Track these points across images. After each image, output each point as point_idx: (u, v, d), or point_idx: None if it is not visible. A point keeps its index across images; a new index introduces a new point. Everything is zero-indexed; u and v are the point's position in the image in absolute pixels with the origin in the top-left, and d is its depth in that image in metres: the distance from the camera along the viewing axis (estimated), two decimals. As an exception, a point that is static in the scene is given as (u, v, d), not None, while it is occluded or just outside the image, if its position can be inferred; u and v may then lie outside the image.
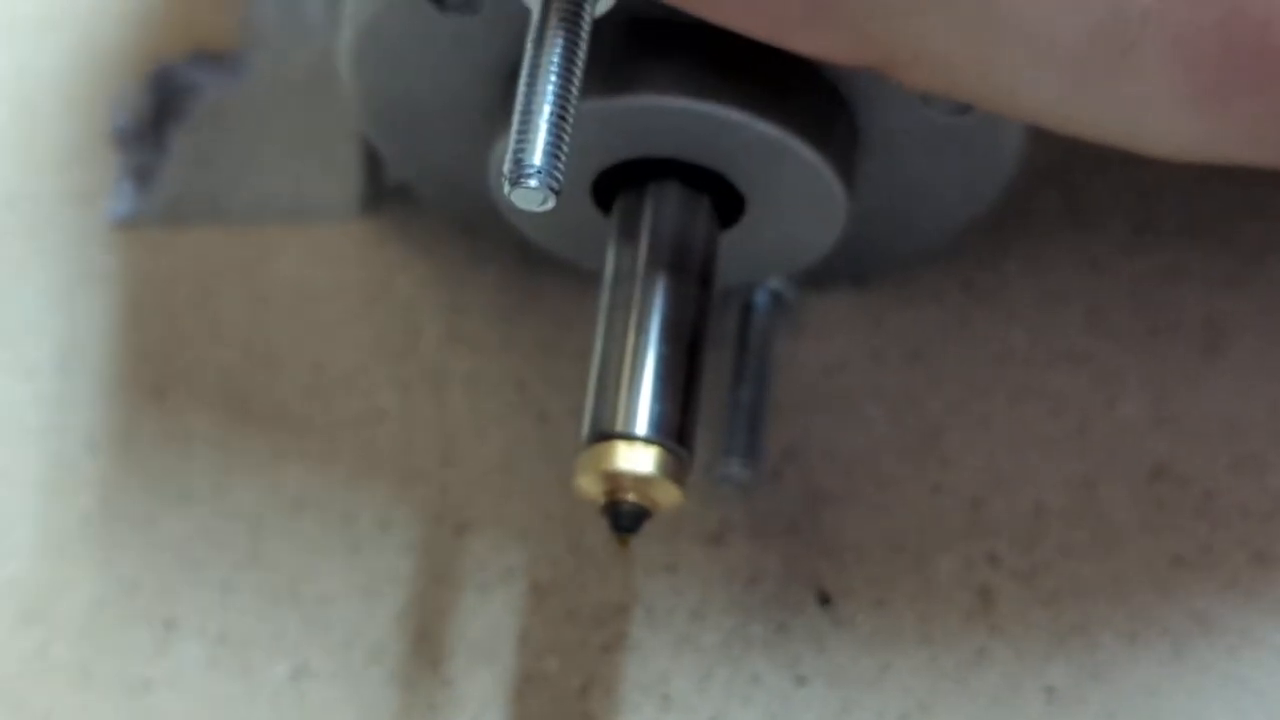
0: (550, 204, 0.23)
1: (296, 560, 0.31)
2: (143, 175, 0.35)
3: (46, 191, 0.36)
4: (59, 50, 0.37)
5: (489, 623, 0.30)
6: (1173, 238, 0.33)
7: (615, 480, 0.25)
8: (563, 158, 0.23)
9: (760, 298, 0.31)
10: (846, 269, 0.32)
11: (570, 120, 0.23)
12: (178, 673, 0.30)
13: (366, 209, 0.34)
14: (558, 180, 0.23)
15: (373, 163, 0.34)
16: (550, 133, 0.23)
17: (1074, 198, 0.33)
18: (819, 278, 0.32)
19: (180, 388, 0.33)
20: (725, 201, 0.28)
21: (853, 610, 0.30)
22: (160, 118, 0.35)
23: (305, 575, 0.31)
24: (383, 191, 0.35)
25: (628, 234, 0.27)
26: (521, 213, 0.27)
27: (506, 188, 0.23)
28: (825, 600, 0.30)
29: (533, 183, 0.23)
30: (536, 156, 0.23)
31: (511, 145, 0.23)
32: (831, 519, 0.31)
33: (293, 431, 0.32)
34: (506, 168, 0.23)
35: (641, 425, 0.25)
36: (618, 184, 0.28)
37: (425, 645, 0.30)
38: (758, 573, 0.30)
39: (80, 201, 0.35)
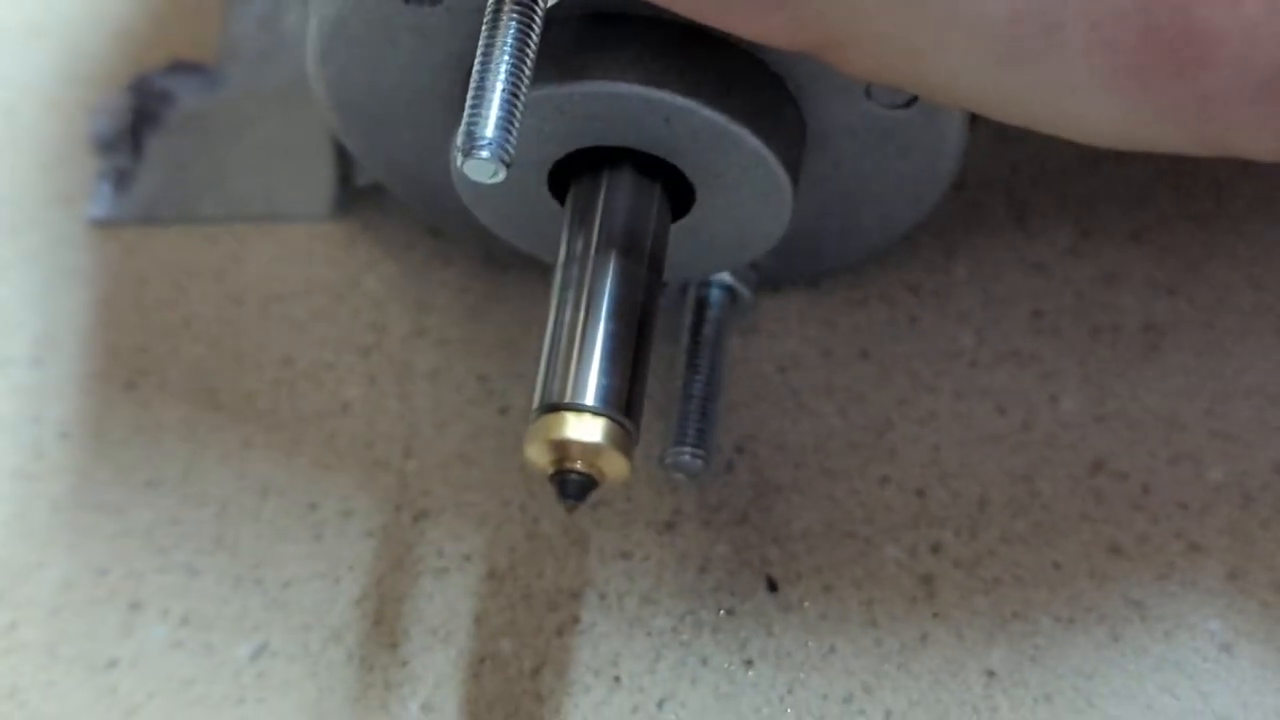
0: (501, 175, 0.24)
1: (260, 546, 0.32)
2: (120, 178, 0.36)
3: (27, 193, 0.37)
4: (41, 59, 0.39)
5: (446, 606, 0.31)
6: (1115, 245, 0.34)
7: (563, 449, 0.26)
8: (514, 132, 0.24)
9: (714, 294, 0.32)
10: (799, 271, 0.33)
11: (522, 97, 0.24)
12: (142, 652, 0.31)
13: (336, 212, 0.36)
14: (508, 153, 0.24)
15: (343, 168, 0.35)
16: (503, 107, 0.24)
17: (1020, 207, 0.34)
18: (773, 279, 0.33)
19: (151, 380, 0.34)
20: (677, 192, 0.29)
21: (800, 596, 0.31)
22: (138, 124, 0.36)
23: (268, 560, 0.32)
24: (353, 195, 0.36)
25: (581, 218, 0.28)
26: (479, 199, 0.28)
27: (459, 159, 0.24)
28: (773, 586, 0.31)
29: (484, 154, 0.24)
30: (489, 129, 0.24)
31: (465, 119, 0.24)
32: (781, 508, 0.31)
33: (260, 422, 0.33)
34: (459, 140, 0.24)
35: (589, 396, 0.26)
36: (572, 173, 0.29)
37: (383, 627, 0.31)
38: (708, 560, 0.31)
39: (59, 203, 0.37)
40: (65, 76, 0.38)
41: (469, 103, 0.24)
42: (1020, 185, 0.34)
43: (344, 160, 0.35)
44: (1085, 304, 0.33)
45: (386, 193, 0.34)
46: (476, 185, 0.28)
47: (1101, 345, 0.32)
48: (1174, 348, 0.32)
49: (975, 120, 0.29)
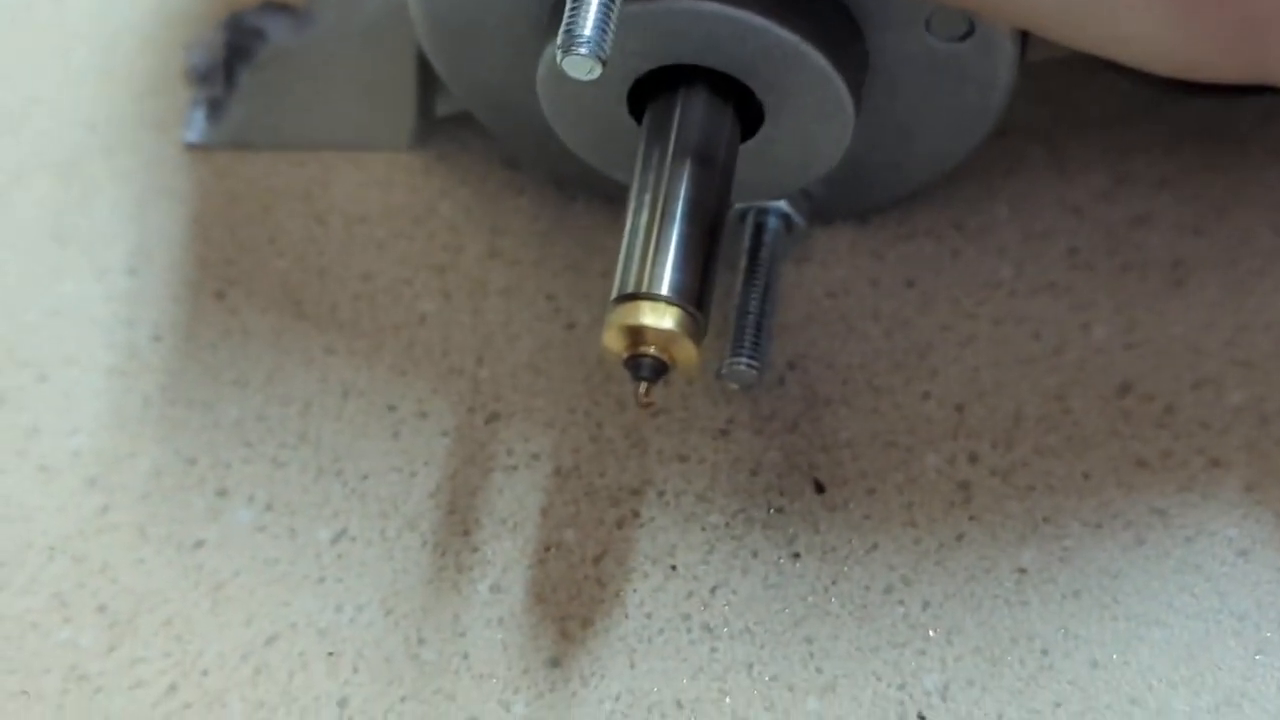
0: (597, 73, 0.27)
1: (341, 441, 0.34)
2: (213, 107, 0.38)
3: (124, 119, 0.39)
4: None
5: (514, 500, 0.33)
6: (1147, 190, 0.36)
7: (638, 334, 0.28)
8: (609, 32, 0.27)
9: (771, 220, 0.34)
10: (852, 203, 0.35)
11: (618, 2, 0.27)
12: (228, 535, 0.33)
13: (416, 143, 0.38)
14: (604, 50, 0.26)
15: (424, 102, 0.38)
16: (600, 10, 0.27)
17: (1059, 153, 0.37)
18: (827, 213, 0.35)
19: (240, 290, 0.36)
20: (746, 114, 0.31)
21: (845, 497, 0.33)
22: (231, 58, 0.39)
23: (349, 454, 0.34)
24: (431, 128, 0.38)
25: (658, 132, 0.30)
26: (560, 116, 0.31)
27: (559, 57, 0.27)
28: (820, 489, 0.33)
29: (582, 50, 0.26)
30: (587, 28, 0.27)
31: (565, 19, 0.27)
32: (829, 419, 0.34)
33: (342, 331, 0.36)
34: (559, 39, 0.27)
35: (664, 287, 0.28)
36: (650, 93, 0.31)
37: (456, 517, 0.33)
38: (760, 464, 0.33)
39: (155, 128, 0.39)
40: (161, 15, 0.40)
41: (569, 6, 0.27)
42: (1060, 135, 0.37)
43: (424, 95, 0.37)
44: (1117, 242, 0.35)
45: (462, 127, 0.37)
46: (561, 100, 0.30)
47: (1131, 279, 0.35)
48: (1199, 284, 0.35)
49: (1021, 69, 0.31)
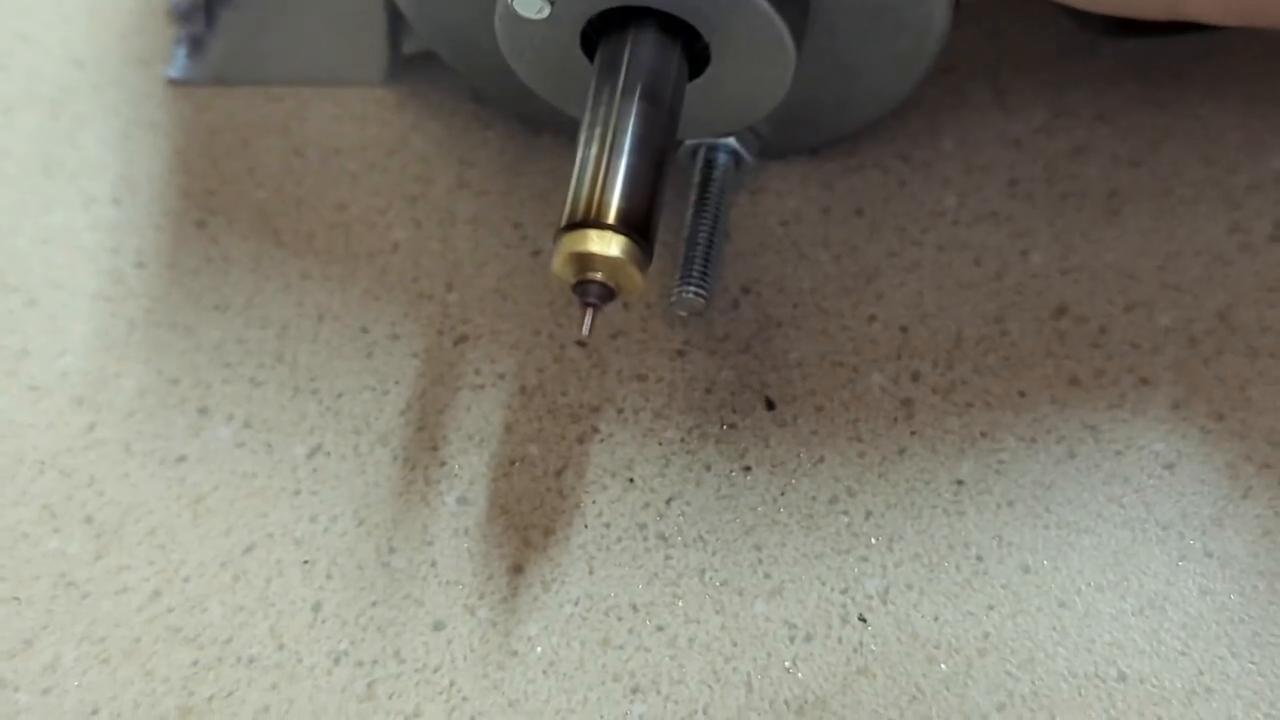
0: (546, 12, 0.28)
1: (317, 362, 0.36)
2: (195, 45, 0.40)
3: (109, 56, 0.41)
4: (125, -61, 0.42)
5: (481, 416, 0.35)
6: (1084, 124, 0.38)
7: (586, 261, 0.30)
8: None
9: (720, 156, 0.36)
10: (800, 140, 0.37)
11: None
12: (209, 450, 0.35)
13: (389, 79, 0.40)
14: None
15: (395, 38, 0.39)
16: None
17: (1001, 89, 0.38)
18: (777, 149, 0.37)
19: (220, 219, 0.38)
20: (693, 54, 0.32)
21: (794, 414, 0.35)
22: (212, -2, 0.40)
23: (324, 374, 0.36)
24: (403, 65, 0.40)
25: (609, 69, 0.32)
26: (519, 56, 0.32)
27: (510, -2, 0.28)
28: (771, 406, 0.35)
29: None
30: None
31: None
32: (780, 341, 0.35)
33: (318, 257, 0.37)
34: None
35: (611, 215, 0.30)
36: (602, 33, 0.32)
37: (425, 433, 0.35)
38: (714, 382, 0.35)
39: (138, 65, 0.41)
40: (144, -44, 0.42)
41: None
42: (1002, 72, 0.38)
43: (395, 32, 0.39)
44: (1055, 174, 0.37)
45: (433, 63, 0.38)
46: (518, 40, 0.32)
47: (1069, 208, 0.36)
48: (1133, 212, 0.36)
49: (958, 12, 0.33)
